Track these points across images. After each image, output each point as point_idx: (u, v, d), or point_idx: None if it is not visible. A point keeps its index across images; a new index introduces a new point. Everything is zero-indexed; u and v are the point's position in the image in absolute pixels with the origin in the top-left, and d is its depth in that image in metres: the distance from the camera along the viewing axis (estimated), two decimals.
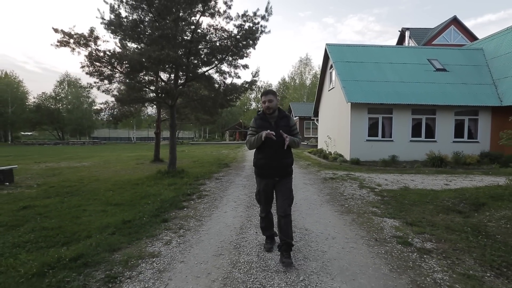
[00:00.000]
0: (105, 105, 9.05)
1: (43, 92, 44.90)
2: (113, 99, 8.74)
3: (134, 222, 3.79)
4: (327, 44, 14.45)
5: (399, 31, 21.00)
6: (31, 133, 51.53)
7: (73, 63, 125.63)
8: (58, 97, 45.86)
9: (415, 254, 2.84)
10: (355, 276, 2.43)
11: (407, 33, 19.74)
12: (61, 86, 47.41)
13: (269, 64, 77.98)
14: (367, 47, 14.71)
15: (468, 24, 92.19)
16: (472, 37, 18.59)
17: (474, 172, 8.94)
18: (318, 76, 16.64)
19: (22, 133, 49.64)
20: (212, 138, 52.15)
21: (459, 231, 3.48)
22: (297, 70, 45.86)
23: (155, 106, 14.66)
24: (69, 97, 46.33)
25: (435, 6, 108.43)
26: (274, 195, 2.87)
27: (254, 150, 2.83)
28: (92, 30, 5.78)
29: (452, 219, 4.03)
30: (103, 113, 12.12)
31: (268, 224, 2.93)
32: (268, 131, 2.58)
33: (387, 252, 2.89)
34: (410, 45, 19.97)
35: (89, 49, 5.89)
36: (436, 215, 4.23)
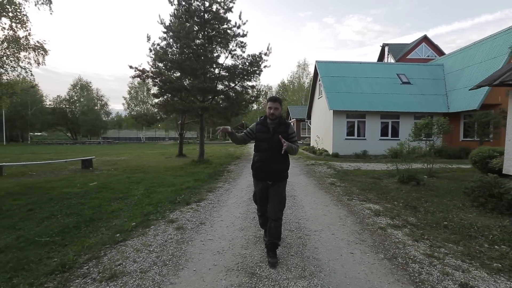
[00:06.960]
0: (151, 111, 12.51)
1: (58, 95, 48.55)
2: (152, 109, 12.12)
3: (200, 180, 7.34)
4: (316, 61, 17.98)
5: (380, 46, 24.58)
6: (40, 133, 54.73)
7: (73, 63, 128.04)
8: (71, 100, 49.44)
9: (333, 186, 6.46)
10: (305, 190, 6.07)
11: (386, 48, 23.32)
12: (74, 89, 50.99)
13: (269, 65, 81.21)
14: (349, 63, 18.23)
15: (465, 24, 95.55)
16: (439, 52, 22.13)
17: (416, 161, 12.45)
18: None
19: (35, 133, 52.87)
20: (215, 138, 55.39)
21: (364, 182, 6.99)
22: (296, 74, 49.25)
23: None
24: (81, 100, 49.72)
25: (433, 6, 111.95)
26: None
27: (253, 153, 3.05)
28: (159, 70, 9.31)
29: (367, 180, 7.53)
30: (140, 118, 15.85)
31: (266, 221, 3.15)
32: (222, 127, 2.79)
33: (322, 186, 6.52)
34: (388, 58, 23.53)
35: (155, 80, 9.43)
36: (360, 177, 7.74)
